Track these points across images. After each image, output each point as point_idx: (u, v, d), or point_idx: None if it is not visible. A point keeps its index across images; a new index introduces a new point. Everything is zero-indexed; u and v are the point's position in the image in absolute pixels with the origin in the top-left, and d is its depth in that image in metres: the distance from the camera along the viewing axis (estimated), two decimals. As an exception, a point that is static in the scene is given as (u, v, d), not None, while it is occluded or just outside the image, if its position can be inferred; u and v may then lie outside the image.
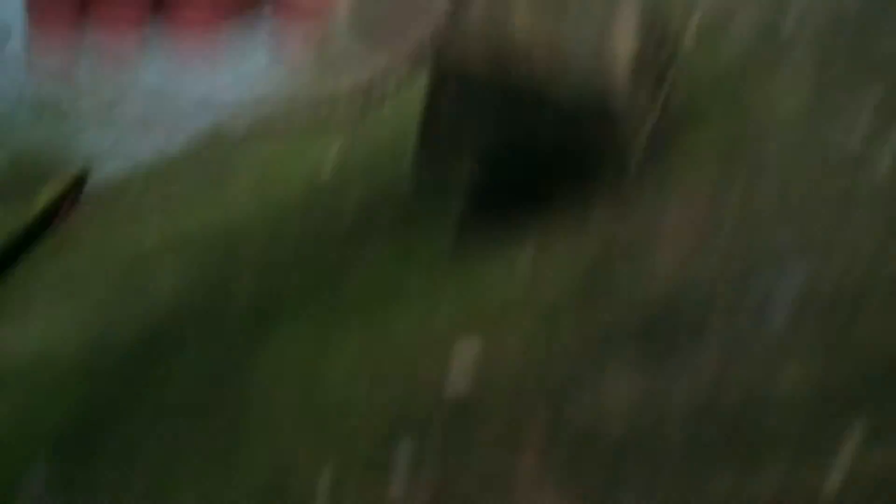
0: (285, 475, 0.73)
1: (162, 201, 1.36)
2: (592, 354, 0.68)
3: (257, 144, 1.34)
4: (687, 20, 1.10)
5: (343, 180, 1.13)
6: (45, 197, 1.52)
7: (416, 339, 0.76)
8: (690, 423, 0.70)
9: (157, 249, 1.22)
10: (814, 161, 1.00)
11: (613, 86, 0.70)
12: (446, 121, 0.76)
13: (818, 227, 0.86)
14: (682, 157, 0.99)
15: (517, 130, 0.79)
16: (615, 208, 0.86)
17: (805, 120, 1.07)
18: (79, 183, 1.51)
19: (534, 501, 0.62)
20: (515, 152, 0.82)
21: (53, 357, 1.11)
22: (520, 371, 0.69)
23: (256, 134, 1.25)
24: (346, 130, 1.09)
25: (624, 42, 0.79)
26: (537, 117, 0.74)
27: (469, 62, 0.71)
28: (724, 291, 0.80)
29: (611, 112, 0.75)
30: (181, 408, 0.87)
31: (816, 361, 0.75)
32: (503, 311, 0.74)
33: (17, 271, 1.39)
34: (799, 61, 1.14)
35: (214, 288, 1.09)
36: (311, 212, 1.12)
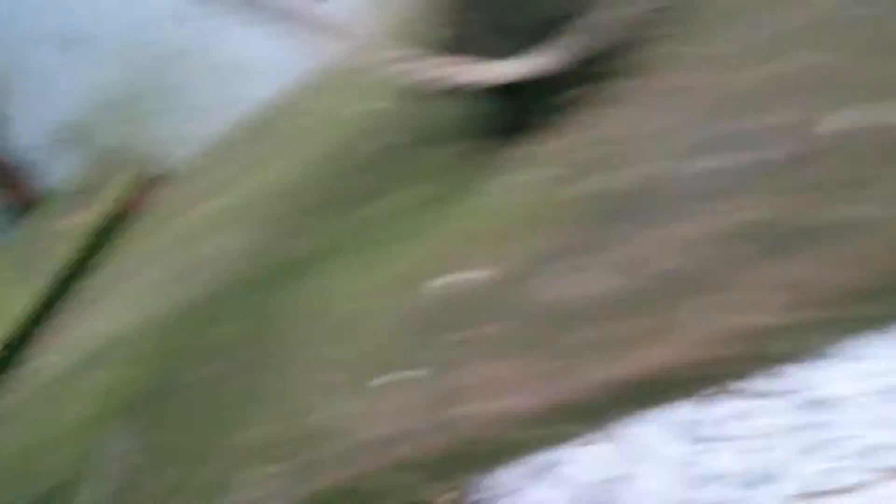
0: (311, 393, 0.81)
1: (218, 177, 1.42)
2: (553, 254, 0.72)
3: (302, 107, 1.38)
4: None
5: (366, 132, 1.17)
6: (116, 190, 1.61)
7: (407, 271, 0.83)
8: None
9: (212, 223, 1.30)
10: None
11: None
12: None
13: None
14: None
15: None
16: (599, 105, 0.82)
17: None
18: (146, 172, 1.58)
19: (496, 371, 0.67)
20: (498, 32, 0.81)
21: (129, 335, 1.20)
22: (487, 284, 0.74)
23: (304, 97, 1.30)
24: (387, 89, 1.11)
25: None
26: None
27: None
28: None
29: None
30: (234, 359, 0.95)
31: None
32: (474, 237, 0.79)
33: (97, 262, 1.49)
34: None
35: (257, 249, 1.15)
36: (336, 166, 1.16)
